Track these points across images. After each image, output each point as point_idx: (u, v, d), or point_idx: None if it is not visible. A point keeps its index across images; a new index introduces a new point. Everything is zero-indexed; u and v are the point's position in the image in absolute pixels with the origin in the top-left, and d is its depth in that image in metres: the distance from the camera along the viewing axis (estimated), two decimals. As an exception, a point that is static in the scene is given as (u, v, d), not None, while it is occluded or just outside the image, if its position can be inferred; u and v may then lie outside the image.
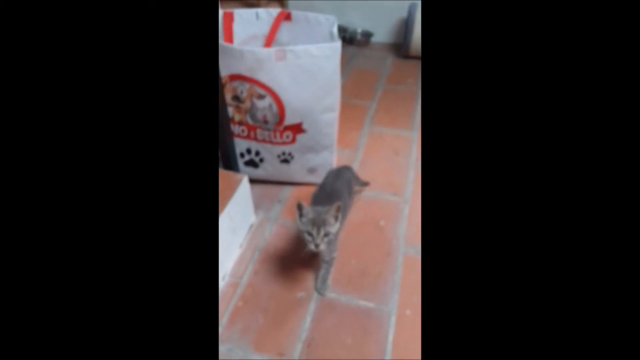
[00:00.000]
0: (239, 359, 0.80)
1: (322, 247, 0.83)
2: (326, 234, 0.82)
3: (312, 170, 1.16)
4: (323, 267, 0.92)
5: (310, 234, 0.82)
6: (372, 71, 1.78)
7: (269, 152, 1.11)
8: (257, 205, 1.14)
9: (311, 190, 1.17)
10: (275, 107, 0.98)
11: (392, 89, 1.66)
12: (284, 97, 0.96)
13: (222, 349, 0.82)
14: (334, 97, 1.00)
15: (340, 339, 0.83)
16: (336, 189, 0.96)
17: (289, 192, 1.19)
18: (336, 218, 0.84)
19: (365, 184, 1.17)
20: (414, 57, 1.85)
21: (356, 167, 1.27)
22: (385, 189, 1.19)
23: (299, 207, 0.83)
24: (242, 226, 1.04)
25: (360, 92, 1.63)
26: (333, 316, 0.87)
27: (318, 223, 0.81)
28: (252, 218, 1.10)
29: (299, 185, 1.21)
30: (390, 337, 0.83)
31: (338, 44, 0.93)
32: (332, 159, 1.15)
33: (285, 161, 1.12)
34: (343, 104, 1.55)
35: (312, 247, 0.83)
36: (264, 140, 1.08)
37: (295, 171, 1.15)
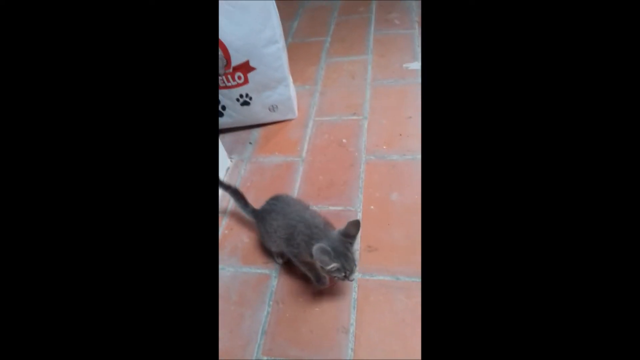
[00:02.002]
0: (231, 274, 0.92)
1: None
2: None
3: (273, 108, 1.22)
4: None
5: (342, 269, 0.71)
6: (324, 7, 1.78)
7: (228, 98, 1.17)
8: (231, 151, 1.22)
9: (278, 128, 1.25)
10: (218, 50, 1.03)
11: (345, 20, 1.67)
12: (223, 37, 1.01)
13: (216, 269, 0.93)
14: (273, 28, 1.05)
15: (315, 240, 0.93)
16: (304, 217, 0.80)
17: (258, 133, 1.27)
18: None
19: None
20: (364, -15, 1.83)
21: (317, 98, 1.33)
22: (345, 112, 1.25)
23: (326, 253, 0.69)
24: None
25: (315, 30, 1.65)
26: (308, 224, 0.97)
27: (340, 251, 0.70)
28: (227, 162, 1.19)
29: (266, 125, 1.28)
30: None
31: (262, -27, 0.96)
32: (290, 93, 1.21)
33: (246, 103, 1.19)
34: (299, 44, 1.59)
35: (351, 277, 0.74)
36: (219, 87, 1.14)
37: (258, 112, 1.22)
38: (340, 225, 0.74)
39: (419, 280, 0.81)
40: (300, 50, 1.55)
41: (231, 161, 1.20)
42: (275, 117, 1.25)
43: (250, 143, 1.24)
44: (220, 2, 0.96)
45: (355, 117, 1.22)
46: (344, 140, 1.16)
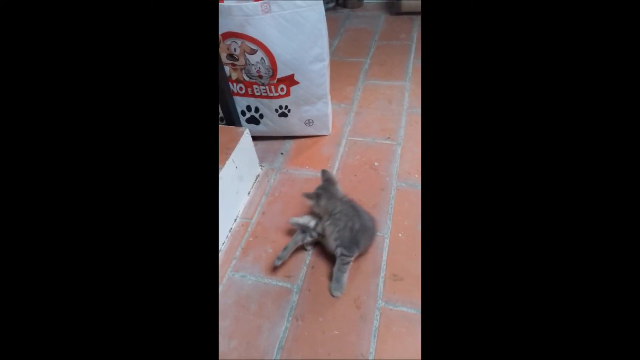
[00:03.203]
0: (252, 283, 0.91)
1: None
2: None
3: (309, 122, 1.24)
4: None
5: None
6: (366, 30, 1.82)
7: (267, 107, 1.19)
8: (262, 159, 1.23)
9: (311, 142, 1.26)
10: (267, 61, 1.06)
11: (386, 45, 1.69)
12: (274, 49, 1.03)
13: (237, 276, 0.93)
14: (322, 47, 1.07)
15: (340, 260, 0.92)
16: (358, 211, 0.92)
17: (290, 145, 1.28)
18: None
19: None
20: (406, 13, 1.86)
21: (352, 117, 1.34)
22: (379, 135, 1.26)
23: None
24: (249, 176, 1.14)
25: (355, 50, 1.68)
26: (333, 243, 0.97)
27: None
28: (258, 169, 1.20)
29: (299, 138, 1.29)
30: (385, 256, 0.92)
31: (320, -7, 0.99)
32: (328, 110, 1.22)
33: (284, 115, 1.20)
34: (339, 62, 1.62)
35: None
36: (261, 96, 1.16)
37: (293, 124, 1.24)
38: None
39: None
40: (339, 68, 1.57)
41: (261, 169, 1.21)
42: (309, 131, 1.27)
43: (281, 153, 1.25)
44: (276, 16, 0.99)
45: (389, 142, 1.23)
46: (376, 164, 1.16)
